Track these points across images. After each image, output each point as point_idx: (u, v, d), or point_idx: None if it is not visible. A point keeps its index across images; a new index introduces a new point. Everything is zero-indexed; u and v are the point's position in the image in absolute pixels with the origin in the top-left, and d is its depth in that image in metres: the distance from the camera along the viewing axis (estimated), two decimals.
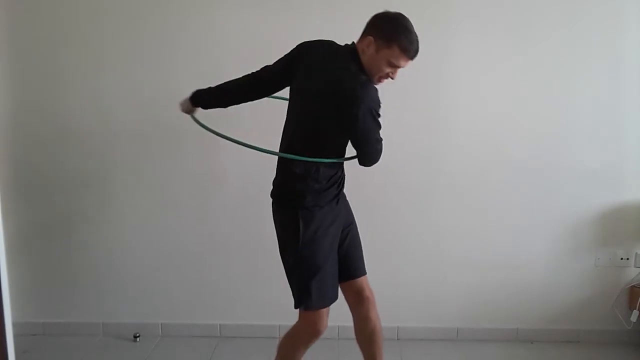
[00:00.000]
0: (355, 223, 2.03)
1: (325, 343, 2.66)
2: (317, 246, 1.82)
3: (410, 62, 1.75)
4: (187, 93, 2.03)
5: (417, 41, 1.73)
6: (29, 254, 2.72)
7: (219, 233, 2.70)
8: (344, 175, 1.93)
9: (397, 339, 2.74)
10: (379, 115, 1.74)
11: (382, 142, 1.83)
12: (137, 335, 2.74)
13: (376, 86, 1.75)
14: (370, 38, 1.73)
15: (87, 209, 2.70)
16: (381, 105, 1.74)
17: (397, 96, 2.53)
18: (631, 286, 2.72)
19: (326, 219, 1.84)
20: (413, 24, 1.74)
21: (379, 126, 1.76)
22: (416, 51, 1.74)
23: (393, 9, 1.72)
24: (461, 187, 2.66)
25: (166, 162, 2.65)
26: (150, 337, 2.75)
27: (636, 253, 2.72)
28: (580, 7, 2.54)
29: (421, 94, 2.58)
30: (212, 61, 2.53)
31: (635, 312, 2.66)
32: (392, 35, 1.70)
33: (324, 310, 1.88)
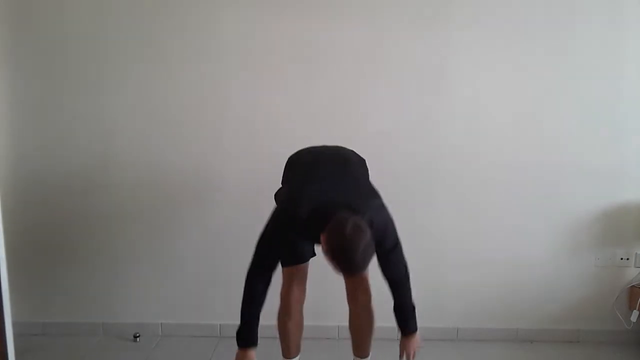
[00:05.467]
0: None
1: (325, 343, 2.68)
2: None
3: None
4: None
5: (348, 260, 1.62)
6: (29, 254, 2.72)
7: (218, 233, 2.70)
8: None
9: (398, 339, 2.73)
10: None
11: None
12: (137, 335, 2.74)
13: None
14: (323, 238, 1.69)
15: (87, 209, 2.70)
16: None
17: (397, 97, 2.55)
18: (631, 286, 2.72)
19: None
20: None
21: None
22: (346, 269, 1.67)
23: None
24: (461, 187, 2.66)
25: (166, 163, 2.64)
26: (150, 337, 2.75)
27: (636, 253, 2.72)
28: (580, 8, 2.54)
29: (421, 95, 2.57)
30: (212, 64, 2.53)
31: (635, 312, 2.66)
32: (328, 250, 1.65)
33: None
